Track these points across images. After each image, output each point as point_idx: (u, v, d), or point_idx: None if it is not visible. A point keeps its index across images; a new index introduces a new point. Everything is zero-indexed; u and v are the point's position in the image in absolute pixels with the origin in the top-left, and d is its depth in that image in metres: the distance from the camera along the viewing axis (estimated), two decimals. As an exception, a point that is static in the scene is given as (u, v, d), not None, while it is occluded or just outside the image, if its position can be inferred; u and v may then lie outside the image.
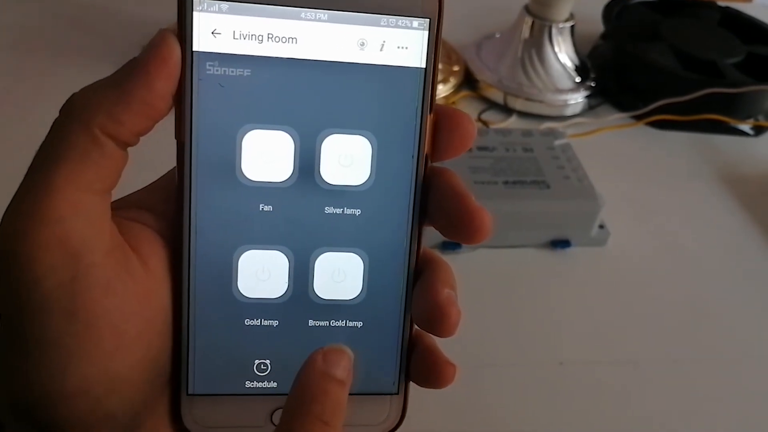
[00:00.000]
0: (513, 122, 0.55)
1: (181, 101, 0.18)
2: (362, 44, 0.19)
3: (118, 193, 0.19)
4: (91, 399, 0.17)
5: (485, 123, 0.53)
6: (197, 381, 0.19)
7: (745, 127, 0.57)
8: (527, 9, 0.55)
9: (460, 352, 0.21)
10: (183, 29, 0.18)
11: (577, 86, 0.56)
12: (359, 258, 0.20)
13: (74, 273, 0.16)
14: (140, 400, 0.18)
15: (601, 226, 0.45)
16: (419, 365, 0.20)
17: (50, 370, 0.16)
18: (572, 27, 0.56)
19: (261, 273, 0.19)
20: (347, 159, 0.19)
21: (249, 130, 0.19)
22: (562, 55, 0.56)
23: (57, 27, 0.59)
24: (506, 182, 0.43)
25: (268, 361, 0.20)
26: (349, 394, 0.20)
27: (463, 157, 0.44)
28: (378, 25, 0.19)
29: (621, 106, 0.57)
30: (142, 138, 0.18)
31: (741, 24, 0.63)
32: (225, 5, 0.18)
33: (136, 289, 0.18)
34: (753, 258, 0.47)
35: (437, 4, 0.19)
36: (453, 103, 0.55)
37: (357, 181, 0.19)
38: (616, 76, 0.58)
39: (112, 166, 0.18)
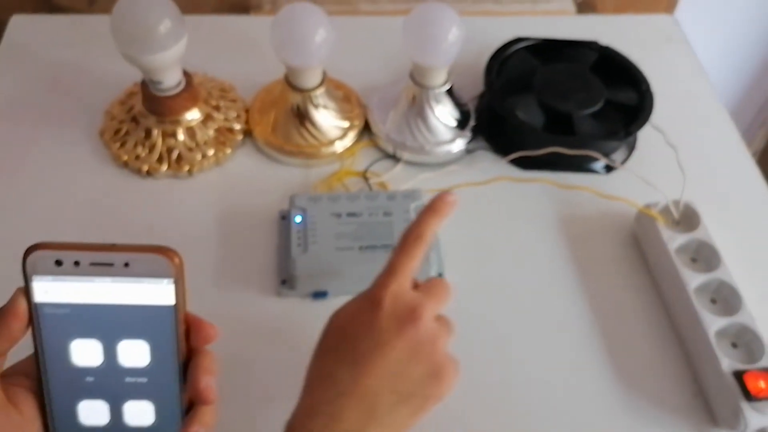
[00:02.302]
0: (399, 170, 0.67)
1: (32, 327, 0.33)
2: (134, 293, 0.33)
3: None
4: None
5: (367, 180, 0.66)
6: None
7: (598, 166, 0.68)
8: (411, 76, 0.66)
9: None
10: (27, 290, 0.33)
11: (456, 136, 0.68)
12: (150, 403, 0.35)
13: None
14: None
15: (440, 275, 0.59)
16: None
17: None
18: (449, 89, 0.67)
19: (92, 412, 0.35)
20: (135, 353, 0.34)
21: (74, 339, 0.34)
22: (441, 114, 0.67)
23: (37, 91, 0.73)
24: (361, 247, 0.57)
25: None
26: None
27: (334, 223, 0.59)
28: (143, 283, 0.33)
29: (497, 152, 0.69)
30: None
31: (612, 66, 0.72)
32: (50, 277, 0.33)
33: (15, 430, 0.33)
34: (563, 296, 0.60)
35: (177, 271, 0.33)
36: (353, 153, 0.68)
37: (142, 364, 0.35)
38: (491, 126, 0.70)
39: None
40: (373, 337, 0.41)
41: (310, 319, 0.57)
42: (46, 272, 0.33)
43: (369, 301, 0.43)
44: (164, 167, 0.65)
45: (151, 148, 0.65)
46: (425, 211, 0.46)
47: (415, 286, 0.45)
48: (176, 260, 0.33)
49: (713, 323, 0.53)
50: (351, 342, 0.42)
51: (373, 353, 0.41)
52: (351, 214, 0.59)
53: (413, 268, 0.44)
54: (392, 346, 0.41)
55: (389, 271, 0.44)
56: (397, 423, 0.41)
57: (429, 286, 0.45)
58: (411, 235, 0.45)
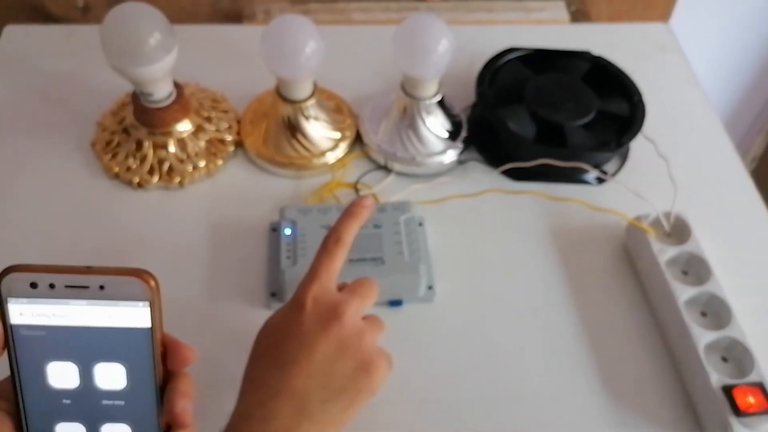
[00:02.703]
0: (391, 181, 0.67)
1: (8, 349, 0.33)
2: (109, 316, 0.33)
3: None
4: None
5: (358, 191, 0.66)
6: None
7: (590, 177, 0.68)
8: (402, 87, 0.66)
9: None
10: (3, 311, 0.33)
11: (448, 147, 0.68)
12: (127, 426, 0.35)
13: None
14: None
15: (430, 287, 0.59)
16: None
17: None
18: (441, 100, 0.67)
19: None
20: (111, 375, 0.34)
21: (50, 362, 0.34)
22: (432, 125, 0.67)
23: (29, 101, 0.72)
24: (351, 260, 0.56)
25: None
26: None
27: (324, 235, 0.58)
28: (118, 305, 0.33)
29: (489, 162, 0.69)
30: None
31: (605, 76, 0.72)
32: (24, 299, 0.33)
33: None
34: (554, 308, 0.59)
35: (153, 294, 0.33)
36: (344, 164, 0.68)
37: (119, 387, 0.34)
38: (483, 137, 0.69)
39: None
40: (299, 338, 0.43)
41: (299, 333, 0.57)
42: (21, 294, 0.32)
43: (293, 305, 0.45)
44: (155, 179, 0.65)
45: (142, 160, 0.65)
46: (344, 216, 0.48)
47: (341, 288, 0.47)
48: (152, 283, 0.33)
49: (703, 337, 0.53)
50: (279, 346, 0.44)
51: (300, 353, 0.43)
52: (341, 227, 0.59)
53: (335, 269, 0.46)
54: (318, 344, 0.43)
55: (311, 275, 0.46)
56: (331, 418, 0.43)
57: (353, 286, 0.48)
58: (331, 239, 0.47)
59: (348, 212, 0.48)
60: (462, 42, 0.64)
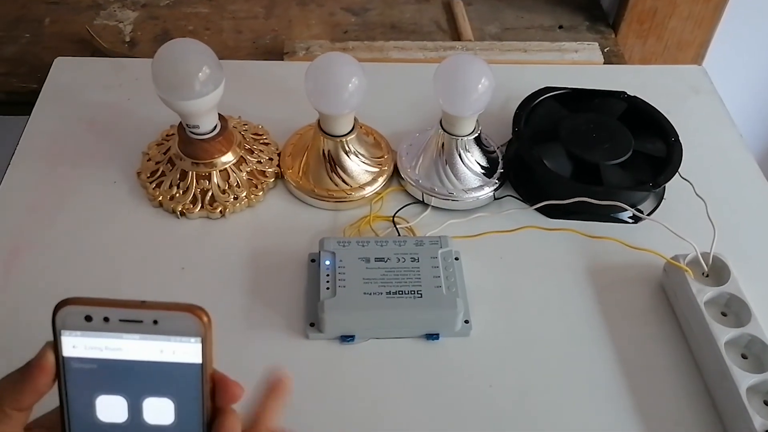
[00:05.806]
0: (427, 216, 0.68)
1: (59, 380, 0.34)
2: (161, 351, 0.34)
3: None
4: None
5: (395, 225, 0.66)
6: None
7: (625, 215, 0.68)
8: (440, 123, 0.68)
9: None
10: (56, 344, 0.34)
11: (484, 183, 0.69)
12: None
13: None
14: None
15: (467, 321, 0.59)
16: None
17: None
18: (477, 136, 0.68)
19: None
20: (160, 410, 0.35)
21: (99, 395, 0.34)
22: (469, 161, 0.68)
23: (78, 131, 0.74)
24: (389, 293, 0.57)
25: None
26: None
27: (363, 268, 0.59)
28: (170, 341, 0.34)
29: (524, 199, 0.69)
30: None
31: (641, 116, 0.73)
32: (78, 332, 0.34)
33: None
34: (590, 345, 0.59)
35: (205, 330, 0.34)
36: (381, 197, 0.69)
37: (167, 422, 0.35)
38: (519, 174, 0.70)
39: (18, 424, 0.34)
40: None
41: (338, 362, 0.58)
42: (75, 327, 0.33)
43: None
44: (198, 208, 0.67)
45: (186, 190, 0.67)
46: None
47: None
48: (205, 319, 0.33)
49: (745, 380, 0.53)
50: None
51: None
52: (379, 259, 0.60)
53: None
54: None
55: None
56: None
57: None
58: None
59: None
60: (498, 80, 0.65)
